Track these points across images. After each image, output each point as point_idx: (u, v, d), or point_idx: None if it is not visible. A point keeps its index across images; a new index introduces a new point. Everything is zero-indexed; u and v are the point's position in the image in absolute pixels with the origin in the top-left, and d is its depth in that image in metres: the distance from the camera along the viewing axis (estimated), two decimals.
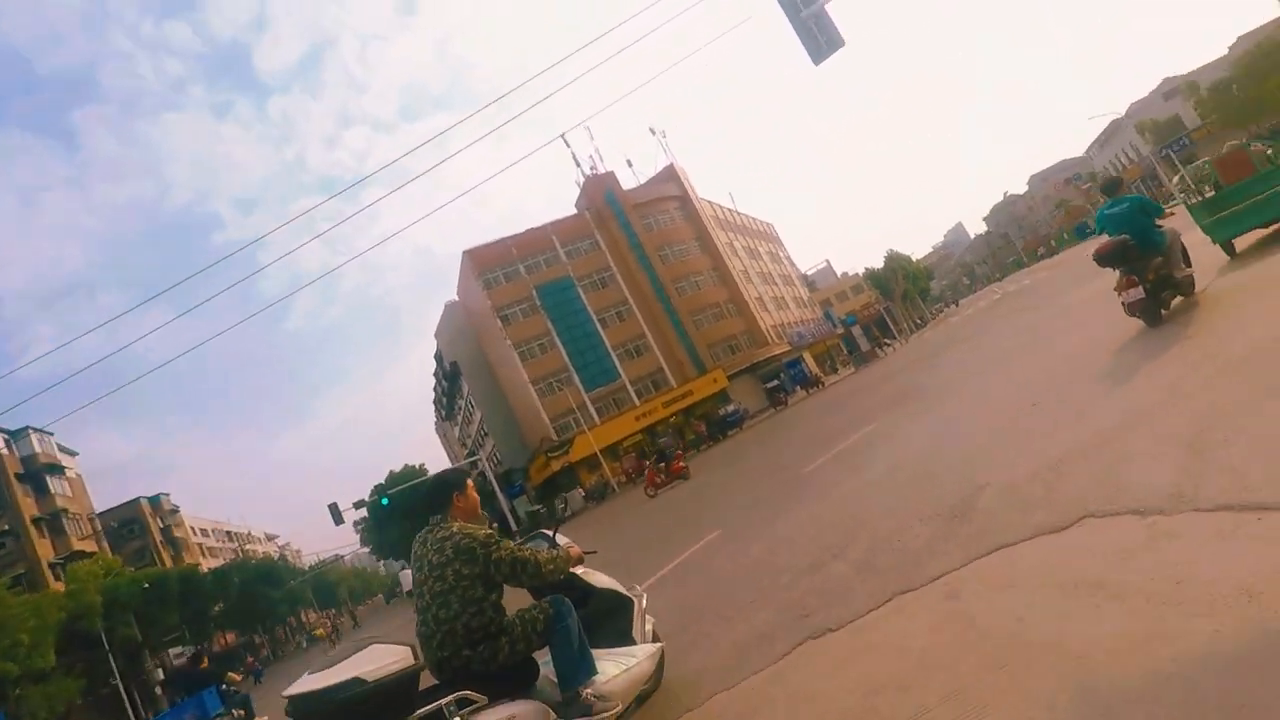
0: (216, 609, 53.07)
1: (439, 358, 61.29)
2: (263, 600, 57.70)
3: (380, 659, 2.53)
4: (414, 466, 52.25)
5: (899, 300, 57.49)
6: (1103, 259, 7.49)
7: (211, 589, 51.93)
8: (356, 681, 2.44)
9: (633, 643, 3.63)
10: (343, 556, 74.34)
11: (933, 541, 4.07)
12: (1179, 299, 7.53)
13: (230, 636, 60.05)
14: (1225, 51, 60.95)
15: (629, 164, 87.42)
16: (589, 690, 3.01)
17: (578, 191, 53.74)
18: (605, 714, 3.00)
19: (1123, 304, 7.26)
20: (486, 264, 48.43)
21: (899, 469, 6.59)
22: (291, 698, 2.49)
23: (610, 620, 3.74)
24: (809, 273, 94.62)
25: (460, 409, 68.11)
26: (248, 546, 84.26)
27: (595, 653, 3.23)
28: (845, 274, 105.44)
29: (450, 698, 2.59)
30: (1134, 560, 2.71)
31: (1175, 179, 41.28)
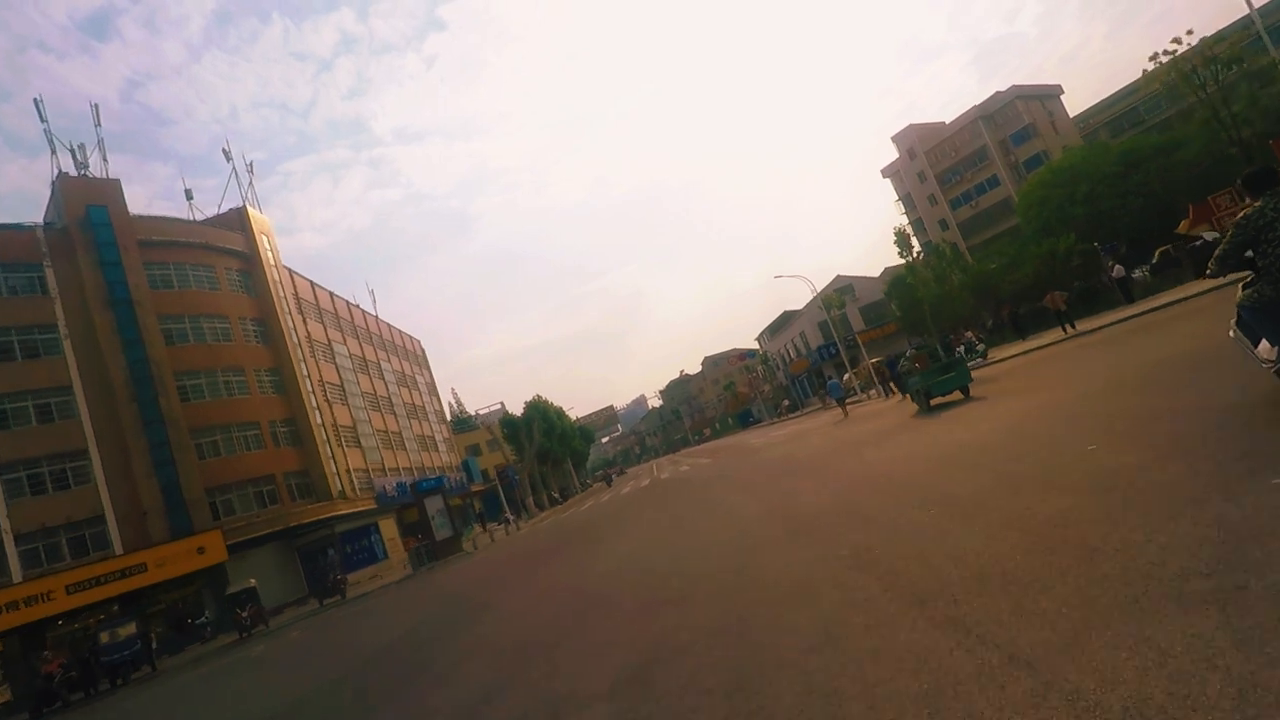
0: None
1: None
2: None
3: None
4: None
5: (530, 460, 44.09)
6: None
7: None
8: None
9: None
10: None
11: None
12: None
13: None
14: (878, 274, 66.03)
15: (188, 195, 66.87)
16: None
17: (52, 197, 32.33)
18: None
19: None
20: None
21: None
22: None
23: None
24: (481, 412, 78.72)
25: None
26: None
27: None
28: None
29: None
30: None
31: (846, 375, 37.56)
